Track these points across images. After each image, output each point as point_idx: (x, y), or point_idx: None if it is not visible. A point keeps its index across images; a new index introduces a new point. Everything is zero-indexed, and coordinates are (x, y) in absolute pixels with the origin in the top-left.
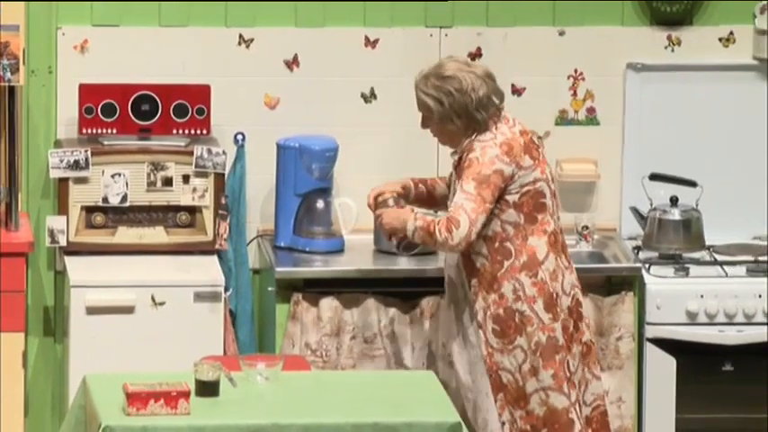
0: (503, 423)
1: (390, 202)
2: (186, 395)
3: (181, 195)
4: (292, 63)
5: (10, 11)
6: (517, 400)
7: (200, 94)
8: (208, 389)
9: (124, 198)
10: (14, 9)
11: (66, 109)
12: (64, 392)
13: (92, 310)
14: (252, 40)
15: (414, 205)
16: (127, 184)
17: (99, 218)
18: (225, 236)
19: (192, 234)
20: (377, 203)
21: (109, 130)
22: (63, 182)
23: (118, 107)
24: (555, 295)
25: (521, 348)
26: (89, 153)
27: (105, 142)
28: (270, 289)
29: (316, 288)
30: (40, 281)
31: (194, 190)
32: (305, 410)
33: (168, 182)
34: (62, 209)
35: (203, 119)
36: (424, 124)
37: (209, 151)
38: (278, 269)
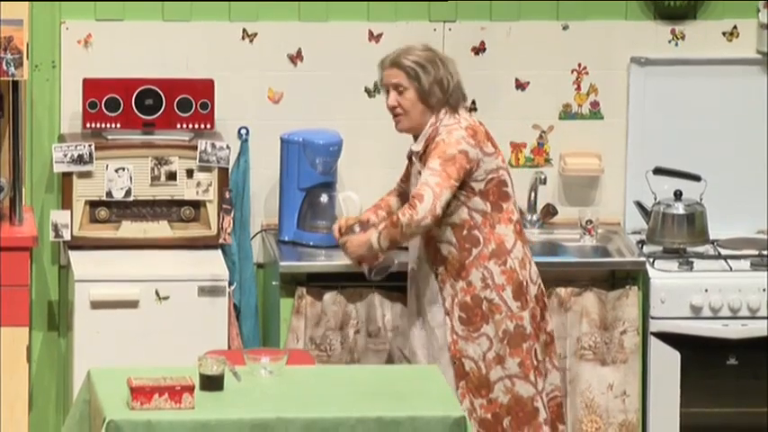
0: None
1: (356, 228)
2: (190, 389)
3: (185, 190)
4: (296, 57)
5: (14, 5)
6: (479, 388)
7: (204, 89)
8: (212, 383)
9: (128, 192)
10: (18, 4)
11: (69, 103)
12: (68, 387)
13: (96, 305)
14: (255, 34)
15: None
16: (131, 178)
17: (103, 212)
18: (229, 230)
19: (196, 228)
20: (341, 233)
21: (112, 125)
22: (67, 176)
23: (121, 102)
24: (524, 283)
25: (486, 336)
26: (93, 147)
27: (109, 137)
28: (274, 283)
29: (319, 282)
30: (44, 275)
31: (198, 184)
32: (309, 405)
33: (172, 176)
34: (66, 203)
35: (207, 113)
36: (398, 96)
37: (213, 146)
38: (282, 263)
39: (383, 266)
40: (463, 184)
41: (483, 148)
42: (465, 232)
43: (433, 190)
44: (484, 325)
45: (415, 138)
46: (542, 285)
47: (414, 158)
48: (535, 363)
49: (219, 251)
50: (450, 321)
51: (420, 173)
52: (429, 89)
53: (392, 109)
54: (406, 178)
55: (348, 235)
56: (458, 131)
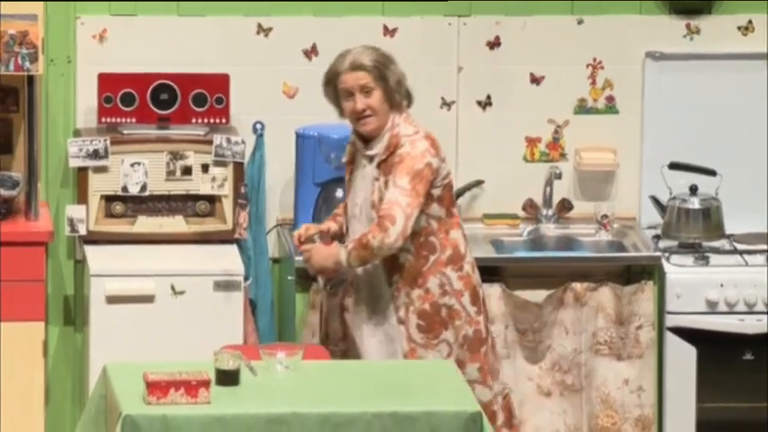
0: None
1: (316, 238)
2: (206, 384)
3: (200, 184)
4: (311, 52)
5: (29, 0)
6: None
7: (219, 84)
8: (228, 378)
9: (143, 187)
10: None
11: (85, 98)
12: (84, 382)
13: (111, 300)
14: (270, 29)
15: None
16: (146, 173)
17: (118, 207)
18: (244, 225)
19: (212, 223)
20: (301, 241)
21: (128, 120)
22: (82, 171)
23: (137, 96)
24: (477, 287)
25: (446, 342)
26: (108, 142)
27: (124, 131)
28: (289, 278)
29: None
30: (59, 270)
31: (213, 179)
32: (324, 400)
33: (187, 171)
34: (81, 198)
35: (222, 108)
36: (365, 97)
37: (228, 140)
38: (297, 258)
39: (340, 279)
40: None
41: (441, 155)
42: (422, 239)
43: (404, 211)
44: (443, 331)
45: (366, 141)
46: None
47: (365, 161)
48: (488, 368)
49: (235, 246)
50: (405, 330)
51: (377, 178)
52: (394, 87)
53: (361, 112)
54: (348, 181)
55: (310, 244)
56: (421, 143)
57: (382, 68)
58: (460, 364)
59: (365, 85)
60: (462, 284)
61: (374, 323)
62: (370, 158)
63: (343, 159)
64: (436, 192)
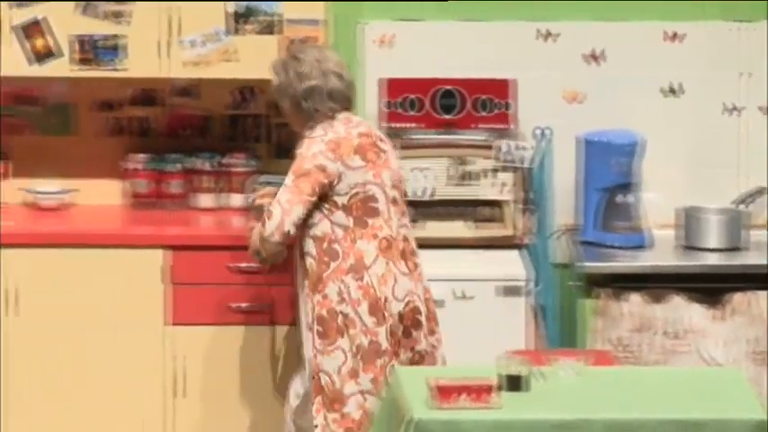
0: (316, 426)
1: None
2: (493, 389)
3: (485, 190)
4: (595, 57)
5: (313, 5)
6: (333, 402)
7: (504, 89)
8: (514, 383)
9: (429, 192)
10: (317, 3)
11: (369, 103)
12: None
13: None
14: (556, 34)
15: None
16: (431, 178)
17: None
18: (529, 230)
19: (497, 228)
20: (254, 207)
21: (412, 125)
22: None
23: (421, 102)
24: (383, 299)
25: (341, 350)
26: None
27: (409, 136)
28: (574, 284)
29: (620, 283)
30: None
31: (499, 184)
32: (610, 406)
33: (472, 176)
34: None
35: (506, 113)
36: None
37: (514, 145)
38: (582, 264)
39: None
40: (326, 198)
41: (346, 161)
42: (326, 245)
43: (282, 207)
44: (339, 338)
45: None
46: (418, 303)
47: None
48: (389, 380)
49: (519, 251)
50: (311, 335)
51: None
52: (280, 97)
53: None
54: None
55: (258, 212)
56: (317, 145)
57: (276, 96)
58: (354, 373)
59: None
60: (361, 294)
61: (300, 331)
62: None
63: None
64: (341, 200)
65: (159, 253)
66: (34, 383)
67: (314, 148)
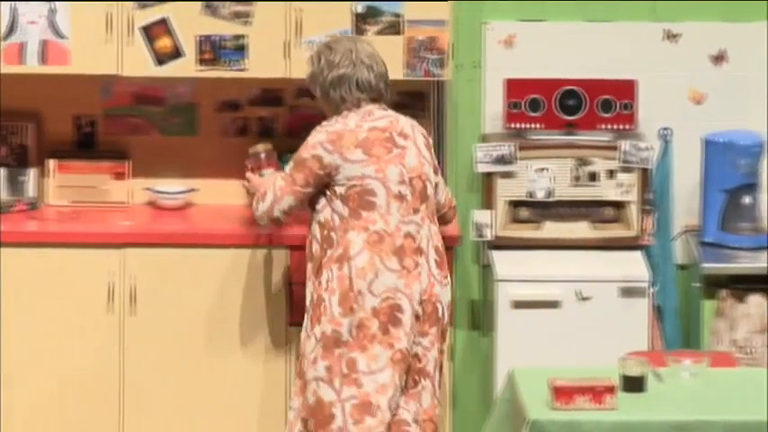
0: (291, 408)
1: (262, 155)
2: (612, 390)
3: (606, 190)
4: (719, 58)
5: (438, 5)
6: (302, 388)
7: (626, 89)
8: (633, 384)
9: (549, 193)
10: (442, 4)
11: (491, 103)
12: (490, 386)
13: (517, 305)
14: (678, 34)
15: None
16: (552, 178)
17: (524, 212)
18: (650, 231)
19: (618, 229)
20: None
21: (534, 125)
22: (489, 176)
23: (544, 102)
24: (357, 292)
25: (315, 337)
26: (515, 147)
27: (531, 137)
28: (695, 285)
29: (742, 284)
30: (466, 274)
31: (620, 185)
32: (730, 408)
33: (594, 177)
34: (488, 203)
35: (629, 114)
36: None
37: (635, 146)
38: (704, 265)
39: None
40: (329, 186)
41: (344, 153)
42: (325, 233)
43: (275, 194)
44: (317, 325)
45: None
46: (403, 302)
47: None
48: (346, 371)
49: (641, 252)
50: (306, 318)
51: None
52: (311, 84)
53: None
54: None
55: (254, 158)
56: (319, 135)
57: (309, 84)
58: (315, 360)
59: None
60: (337, 284)
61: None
62: None
63: None
64: (340, 189)
65: (283, 253)
66: (152, 385)
67: (317, 138)
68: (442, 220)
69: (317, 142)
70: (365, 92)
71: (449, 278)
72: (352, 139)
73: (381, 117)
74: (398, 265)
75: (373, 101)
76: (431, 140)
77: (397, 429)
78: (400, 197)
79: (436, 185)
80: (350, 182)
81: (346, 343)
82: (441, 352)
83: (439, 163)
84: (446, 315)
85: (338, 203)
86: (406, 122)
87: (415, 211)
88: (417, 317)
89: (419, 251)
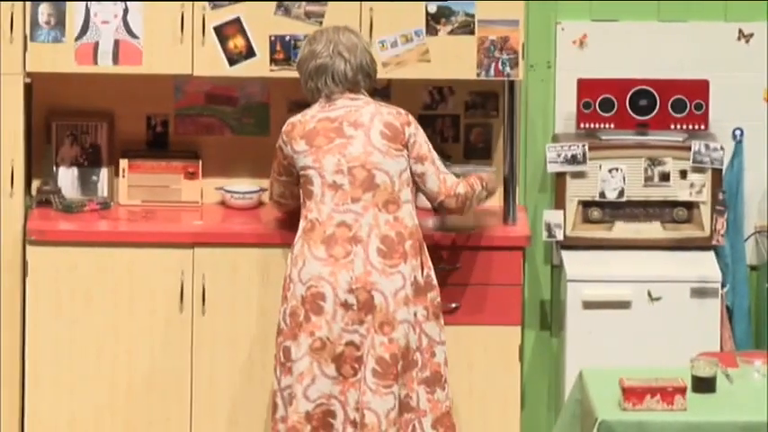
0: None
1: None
2: (683, 391)
3: (678, 191)
4: None
5: (511, 5)
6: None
7: (699, 89)
8: (704, 385)
9: (621, 193)
10: (515, 3)
11: (563, 103)
12: (559, 386)
13: (588, 305)
14: (751, 35)
15: None
16: (624, 178)
17: (596, 212)
18: (722, 232)
19: (689, 230)
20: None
21: (606, 125)
22: (560, 176)
23: (616, 102)
24: (288, 279)
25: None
26: (586, 148)
27: (602, 137)
28: (767, 285)
29: None
30: (536, 275)
31: (691, 185)
32: None
33: (665, 177)
34: (559, 203)
35: (701, 114)
36: None
37: (707, 146)
38: None
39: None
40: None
41: (293, 145)
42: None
43: (270, 182)
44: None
45: None
46: (326, 289)
47: None
48: (282, 360)
49: (712, 253)
50: None
51: None
52: (303, 86)
53: None
54: None
55: None
56: (285, 126)
57: (297, 71)
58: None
59: None
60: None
61: None
62: None
63: None
64: (300, 179)
65: None
66: (221, 384)
67: (282, 130)
68: (442, 209)
69: (281, 134)
70: (340, 84)
71: (403, 266)
72: (301, 130)
73: (341, 107)
74: (325, 254)
75: (349, 91)
76: (411, 129)
77: (326, 418)
78: (335, 186)
79: (423, 174)
80: (301, 172)
81: (282, 331)
82: (391, 341)
83: (511, 163)
84: (391, 303)
85: (297, 188)
86: (367, 111)
87: (355, 200)
88: (346, 305)
89: (354, 240)
